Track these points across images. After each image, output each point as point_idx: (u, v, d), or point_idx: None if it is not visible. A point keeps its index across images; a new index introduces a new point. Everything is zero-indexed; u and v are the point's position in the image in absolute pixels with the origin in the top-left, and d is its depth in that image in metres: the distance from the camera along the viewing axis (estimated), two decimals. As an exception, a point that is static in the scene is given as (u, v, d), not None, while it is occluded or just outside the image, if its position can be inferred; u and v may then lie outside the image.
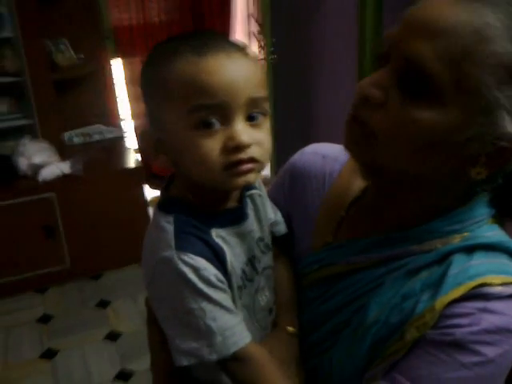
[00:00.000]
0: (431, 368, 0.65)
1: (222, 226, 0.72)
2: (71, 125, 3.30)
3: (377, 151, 0.66)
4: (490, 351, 0.64)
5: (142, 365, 2.45)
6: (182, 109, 0.65)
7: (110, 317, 2.83)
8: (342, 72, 3.01)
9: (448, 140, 0.63)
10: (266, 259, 0.80)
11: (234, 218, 0.75)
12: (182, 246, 0.67)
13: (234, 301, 0.72)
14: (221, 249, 0.70)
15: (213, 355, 0.66)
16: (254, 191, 0.81)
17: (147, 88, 0.71)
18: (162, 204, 0.74)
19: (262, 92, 0.68)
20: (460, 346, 0.64)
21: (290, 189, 0.92)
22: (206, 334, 0.66)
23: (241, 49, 0.68)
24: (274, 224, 0.85)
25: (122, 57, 3.51)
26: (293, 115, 3.46)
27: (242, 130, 0.65)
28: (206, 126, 0.65)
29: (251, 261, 0.76)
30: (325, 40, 3.26)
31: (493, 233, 0.72)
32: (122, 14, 3.41)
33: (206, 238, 0.69)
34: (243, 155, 0.66)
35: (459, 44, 0.60)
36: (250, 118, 0.67)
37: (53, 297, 3.00)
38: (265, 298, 0.79)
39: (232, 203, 0.75)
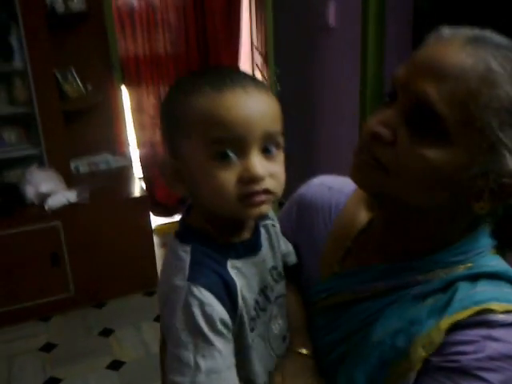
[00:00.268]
0: None
1: (237, 256, 0.74)
2: (78, 154, 3.35)
3: (387, 183, 0.70)
4: (493, 377, 0.66)
5: (144, 394, 2.47)
6: (200, 141, 0.68)
7: (113, 345, 2.83)
8: (345, 103, 3.07)
9: (454, 177, 0.67)
10: (278, 288, 0.82)
11: (250, 248, 0.77)
12: (194, 278, 0.69)
13: (244, 334, 0.74)
14: (233, 283, 0.71)
15: None
16: (268, 221, 0.84)
17: (167, 120, 0.74)
18: (180, 233, 0.76)
19: (277, 126, 0.71)
20: (466, 372, 0.66)
21: (298, 220, 0.95)
22: (192, 370, 0.67)
23: (258, 84, 0.71)
24: (285, 255, 0.88)
25: (129, 86, 3.57)
26: (296, 144, 3.51)
27: (258, 163, 0.68)
28: (222, 158, 0.67)
29: (264, 291, 0.78)
30: (328, 70, 3.32)
31: (495, 262, 0.75)
32: (129, 44, 3.48)
33: (221, 271, 0.71)
34: (258, 187, 0.68)
35: (465, 88, 0.64)
36: (266, 151, 0.70)
37: (56, 325, 3.00)
38: (278, 326, 0.81)
39: (247, 233, 0.78)
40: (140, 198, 3.21)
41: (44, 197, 2.92)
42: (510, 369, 0.66)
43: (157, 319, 3.01)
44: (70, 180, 3.11)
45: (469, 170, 0.66)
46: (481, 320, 0.67)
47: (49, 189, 2.93)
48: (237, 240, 0.76)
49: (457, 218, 0.73)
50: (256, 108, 0.68)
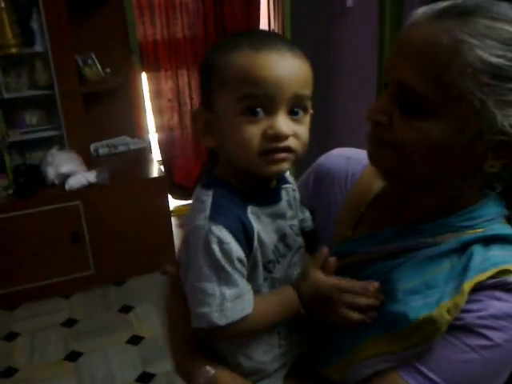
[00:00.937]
0: (441, 350, 0.70)
1: (257, 204, 0.79)
2: (98, 136, 3.42)
3: (395, 159, 0.74)
4: (496, 336, 0.69)
5: (162, 368, 2.53)
6: (233, 95, 0.73)
7: (132, 322, 2.91)
8: (363, 83, 3.08)
9: (452, 144, 0.70)
10: (299, 240, 0.87)
11: (269, 199, 0.82)
12: (214, 218, 0.74)
13: (256, 276, 0.79)
14: (251, 225, 0.76)
15: (222, 320, 0.73)
16: (288, 185, 0.88)
17: (206, 73, 0.78)
18: (204, 182, 0.82)
19: (306, 90, 0.76)
20: (468, 329, 0.69)
21: (315, 187, 0.99)
22: (218, 299, 0.73)
23: (294, 49, 0.76)
24: (302, 220, 0.92)
25: (147, 71, 3.62)
26: (314, 123, 3.52)
27: (283, 121, 0.73)
28: (251, 113, 0.72)
29: (283, 239, 0.83)
30: (345, 51, 3.33)
31: (506, 230, 0.77)
32: (147, 29, 3.53)
33: (239, 213, 0.76)
34: (279, 144, 0.73)
35: (436, 62, 0.68)
36: (293, 113, 0.75)
37: (77, 302, 3.10)
38: (296, 272, 0.85)
39: (268, 188, 0.83)
40: (158, 179, 3.27)
41: (64, 177, 3.00)
42: None
43: (174, 297, 3.09)
44: (90, 162, 3.19)
45: (463, 134, 0.69)
46: (499, 282, 0.70)
47: (69, 170, 3.01)
48: (258, 191, 0.81)
49: (467, 183, 0.76)
50: (288, 70, 0.73)
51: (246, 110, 0.73)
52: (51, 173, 2.98)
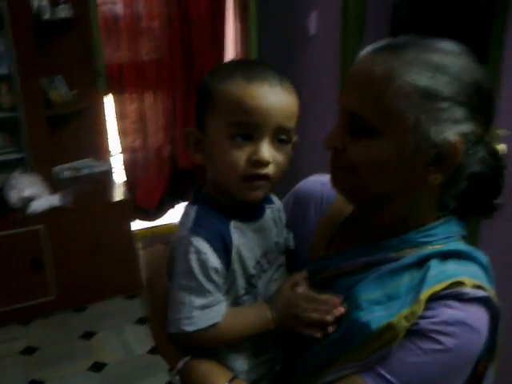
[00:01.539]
0: (398, 353, 0.76)
1: (240, 220, 0.86)
2: (61, 159, 3.38)
3: (351, 180, 0.83)
4: (447, 341, 0.75)
5: (126, 396, 2.52)
6: (223, 120, 0.80)
7: (94, 348, 2.87)
8: (326, 112, 3.16)
9: (397, 159, 0.79)
10: (281, 258, 0.93)
11: (252, 215, 0.88)
12: (195, 230, 0.81)
13: (236, 288, 0.84)
14: (229, 239, 0.82)
15: (190, 327, 0.79)
16: (273, 205, 0.95)
17: (201, 97, 0.86)
18: (192, 198, 0.89)
19: (290, 122, 0.83)
20: (422, 334, 0.76)
21: (293, 210, 1.06)
22: (187, 307, 0.79)
23: (284, 83, 0.83)
24: (286, 240, 0.98)
25: (113, 93, 3.62)
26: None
27: (266, 149, 0.80)
28: (238, 139, 0.80)
29: (266, 255, 0.89)
30: (308, 77, 3.42)
31: (460, 246, 0.85)
32: (114, 52, 3.53)
33: (220, 227, 0.83)
34: (260, 170, 0.80)
35: (374, 90, 0.78)
36: (276, 141, 0.82)
37: (37, 329, 3.03)
38: (276, 287, 0.90)
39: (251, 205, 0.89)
40: (122, 202, 3.27)
41: (27, 201, 2.95)
42: (462, 334, 0.75)
43: (138, 322, 3.07)
44: (53, 185, 3.14)
45: (403, 150, 0.78)
46: (452, 292, 0.77)
47: (32, 193, 2.96)
48: (240, 208, 0.86)
49: (418, 196, 0.83)
50: (276, 102, 0.80)
51: (234, 135, 0.80)
52: (14, 196, 2.93)
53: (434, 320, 0.75)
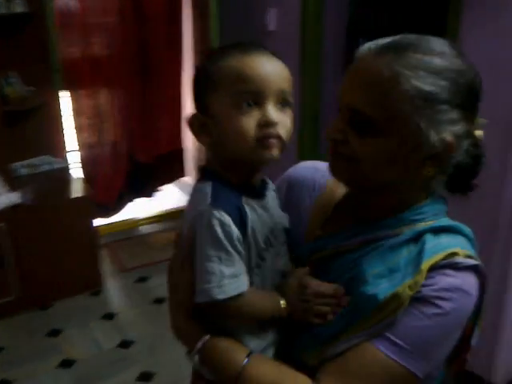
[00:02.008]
0: (403, 319, 0.84)
1: (249, 196, 0.92)
2: (18, 156, 3.32)
3: (352, 169, 0.89)
4: (446, 305, 0.84)
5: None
6: (227, 93, 0.86)
7: (62, 345, 2.86)
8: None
9: (397, 155, 0.86)
10: (283, 235, 0.99)
11: (257, 193, 0.95)
12: (215, 204, 0.86)
13: (250, 260, 0.90)
14: (245, 213, 0.88)
15: (221, 295, 0.85)
16: (271, 186, 1.02)
17: (199, 83, 0.92)
18: (201, 177, 0.94)
19: (289, 87, 0.90)
20: (425, 300, 0.84)
21: (287, 195, 1.12)
22: (218, 277, 0.85)
23: (275, 55, 0.91)
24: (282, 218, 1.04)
25: (70, 89, 3.58)
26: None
27: (272, 111, 0.86)
28: (245, 107, 0.85)
29: (273, 231, 0.95)
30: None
31: (450, 222, 0.94)
32: (69, 47, 3.49)
33: (236, 202, 0.88)
34: (272, 130, 0.87)
35: (379, 91, 0.83)
36: (278, 105, 0.89)
37: (0, 329, 2.98)
38: (282, 261, 0.97)
39: (256, 182, 0.95)
40: (82, 198, 3.26)
41: (-14, 199, 2.89)
42: (459, 299, 0.85)
43: (104, 317, 3.07)
44: (11, 182, 3.10)
45: (404, 148, 0.84)
46: (448, 262, 0.85)
47: (-9, 191, 2.91)
48: (248, 185, 0.93)
49: (413, 185, 0.92)
50: (274, 69, 0.88)
51: (241, 104, 0.85)
52: (-28, 195, 2.86)
53: (434, 287, 0.83)
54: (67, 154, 3.57)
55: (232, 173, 0.92)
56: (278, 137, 0.88)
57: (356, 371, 0.85)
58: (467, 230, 0.94)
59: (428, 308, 0.84)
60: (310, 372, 0.89)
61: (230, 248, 0.85)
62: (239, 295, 0.86)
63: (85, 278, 3.28)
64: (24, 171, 3.33)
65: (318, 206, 1.07)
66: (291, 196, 1.12)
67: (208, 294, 0.85)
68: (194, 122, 0.93)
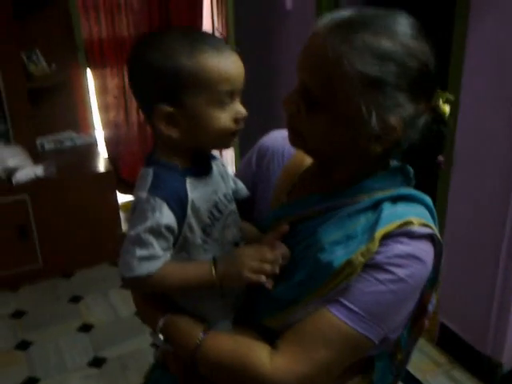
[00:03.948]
0: (357, 285, 0.86)
1: (194, 176, 0.95)
2: (43, 131, 3.46)
3: (305, 142, 0.93)
4: (400, 272, 0.86)
5: (114, 352, 2.64)
6: (209, 90, 0.89)
7: (82, 311, 2.98)
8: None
9: (342, 134, 0.88)
10: (230, 206, 1.02)
11: (203, 171, 0.98)
12: (152, 190, 0.90)
13: (195, 236, 0.94)
14: (186, 196, 0.92)
15: (128, 273, 0.89)
16: (218, 161, 1.04)
17: (167, 74, 0.88)
18: (146, 163, 0.97)
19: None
20: (378, 267, 0.86)
21: (258, 162, 1.15)
22: (129, 256, 0.89)
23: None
24: (235, 191, 1.08)
25: (93, 68, 3.68)
26: (256, 117, 3.68)
27: (241, 107, 0.94)
28: (222, 104, 0.91)
29: (217, 205, 0.98)
30: (285, 51, 3.51)
31: (409, 191, 0.95)
32: (93, 27, 3.59)
33: (176, 185, 0.91)
34: (242, 124, 0.94)
35: (324, 72, 0.84)
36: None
37: (25, 294, 3.13)
38: (231, 233, 1.01)
39: (201, 163, 0.99)
40: (106, 173, 3.35)
41: (11, 171, 3.03)
42: (412, 265, 0.86)
43: (123, 286, 3.16)
44: (36, 156, 3.23)
45: (349, 127, 0.86)
46: (403, 230, 0.87)
47: (16, 164, 3.04)
48: (193, 166, 0.96)
49: (365, 158, 0.93)
50: (240, 67, 0.93)
51: (222, 101, 0.91)
52: (-3, 167, 3.00)
53: (387, 254, 0.85)
54: (92, 131, 3.68)
55: (183, 159, 0.95)
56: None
57: (313, 337, 0.88)
58: (427, 199, 0.95)
59: (381, 274, 0.86)
60: (275, 335, 0.92)
61: (148, 234, 0.88)
62: (148, 275, 0.89)
63: (106, 249, 3.40)
64: (49, 146, 3.46)
65: (285, 174, 1.09)
66: (262, 164, 1.14)
67: (120, 270, 0.91)
68: (157, 115, 0.92)
